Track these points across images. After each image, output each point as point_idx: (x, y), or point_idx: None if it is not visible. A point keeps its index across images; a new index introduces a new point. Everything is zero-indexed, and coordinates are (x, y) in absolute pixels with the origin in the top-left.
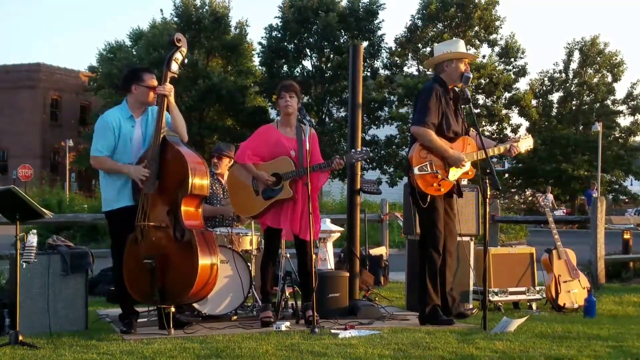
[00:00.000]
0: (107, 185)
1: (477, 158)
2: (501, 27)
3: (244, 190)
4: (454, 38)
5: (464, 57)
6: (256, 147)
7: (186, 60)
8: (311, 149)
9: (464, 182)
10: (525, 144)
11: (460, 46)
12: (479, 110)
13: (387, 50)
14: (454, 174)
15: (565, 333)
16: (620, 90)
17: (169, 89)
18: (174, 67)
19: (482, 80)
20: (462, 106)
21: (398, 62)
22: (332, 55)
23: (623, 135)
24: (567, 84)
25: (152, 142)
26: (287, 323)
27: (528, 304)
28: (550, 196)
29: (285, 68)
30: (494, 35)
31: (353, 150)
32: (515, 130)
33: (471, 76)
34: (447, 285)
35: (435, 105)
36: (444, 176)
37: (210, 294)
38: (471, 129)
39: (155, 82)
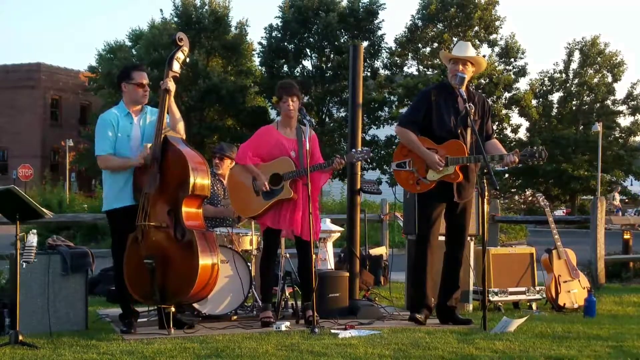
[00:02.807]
0: (109, 184)
1: (463, 163)
2: (501, 27)
3: (244, 191)
4: (459, 40)
5: (451, 57)
6: (256, 148)
7: (187, 60)
8: (311, 150)
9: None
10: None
11: (461, 48)
12: None
13: (387, 50)
14: (433, 175)
15: (565, 333)
16: (621, 90)
17: (171, 84)
18: (176, 66)
19: (482, 80)
20: (471, 108)
21: (398, 62)
22: (332, 55)
23: (623, 135)
24: (567, 84)
25: (154, 141)
26: (287, 323)
27: (528, 304)
28: (618, 196)
29: (285, 68)
30: (494, 35)
31: (353, 150)
32: (515, 130)
33: (465, 76)
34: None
35: (421, 106)
36: (419, 176)
37: (211, 294)
38: (493, 135)
39: (145, 80)
